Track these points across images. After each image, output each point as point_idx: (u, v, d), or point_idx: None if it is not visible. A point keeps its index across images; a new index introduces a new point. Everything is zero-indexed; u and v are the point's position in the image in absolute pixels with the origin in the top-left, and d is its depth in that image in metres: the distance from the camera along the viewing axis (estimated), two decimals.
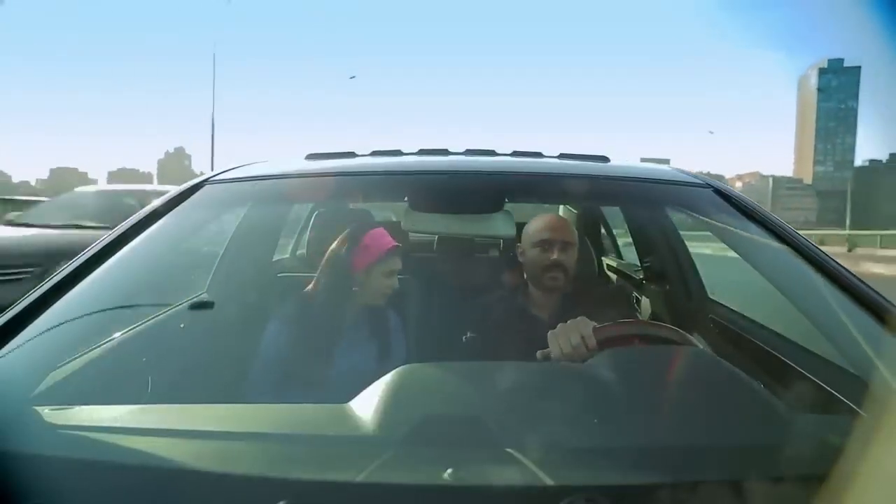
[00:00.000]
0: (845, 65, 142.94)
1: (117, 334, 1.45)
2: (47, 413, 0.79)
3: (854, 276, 1.01)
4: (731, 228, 1.23)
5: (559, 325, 1.12)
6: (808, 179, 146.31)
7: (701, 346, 1.13)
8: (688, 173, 1.37)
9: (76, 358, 1.21)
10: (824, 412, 1.07)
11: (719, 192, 1.25)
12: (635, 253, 2.64)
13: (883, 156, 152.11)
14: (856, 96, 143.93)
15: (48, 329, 0.93)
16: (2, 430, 0.72)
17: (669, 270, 2.16)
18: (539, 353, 1.11)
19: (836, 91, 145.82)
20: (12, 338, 0.88)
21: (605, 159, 1.41)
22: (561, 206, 3.45)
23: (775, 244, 1.11)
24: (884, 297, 0.96)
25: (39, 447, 0.71)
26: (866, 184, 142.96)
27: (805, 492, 0.60)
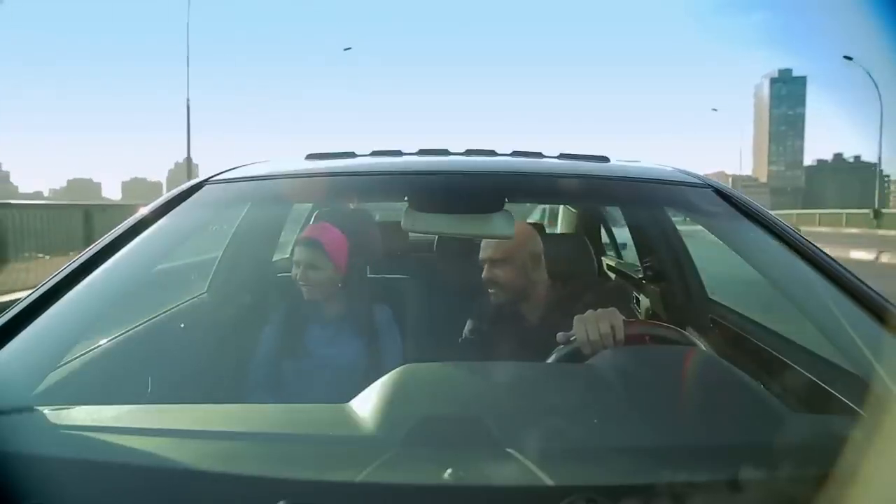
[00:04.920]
0: (793, 75, 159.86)
1: (117, 334, 1.45)
2: (47, 413, 0.79)
3: (854, 276, 1.00)
4: (732, 228, 1.22)
5: (588, 311, 1.10)
6: (763, 178, 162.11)
7: (705, 348, 1.13)
8: (688, 173, 1.36)
9: (76, 358, 1.21)
10: (824, 412, 1.07)
11: (720, 192, 1.25)
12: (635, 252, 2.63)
13: (828, 156, 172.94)
14: (803, 103, 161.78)
15: (48, 329, 0.93)
16: (2, 430, 0.72)
17: (669, 270, 2.16)
18: (560, 335, 1.09)
19: (786, 98, 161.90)
20: (12, 338, 0.88)
21: (605, 159, 1.40)
22: (561, 206, 3.45)
23: (776, 244, 1.11)
24: (884, 297, 0.95)
25: (39, 447, 0.71)
26: (814, 181, 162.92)
27: (805, 492, 0.60)
